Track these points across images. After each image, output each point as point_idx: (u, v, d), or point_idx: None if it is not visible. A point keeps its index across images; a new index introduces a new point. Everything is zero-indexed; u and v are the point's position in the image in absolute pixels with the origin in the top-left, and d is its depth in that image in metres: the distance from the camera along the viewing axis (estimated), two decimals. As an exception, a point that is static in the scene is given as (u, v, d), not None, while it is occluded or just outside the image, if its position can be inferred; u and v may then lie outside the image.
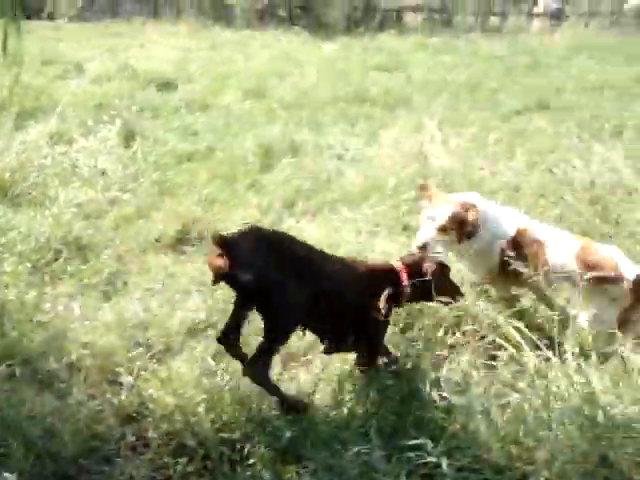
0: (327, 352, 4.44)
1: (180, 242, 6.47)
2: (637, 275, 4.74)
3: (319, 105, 11.38)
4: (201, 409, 4.04)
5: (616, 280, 4.70)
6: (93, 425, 4.07)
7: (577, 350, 4.02)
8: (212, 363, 4.44)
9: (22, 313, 5.12)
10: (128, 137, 9.01)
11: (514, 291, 5.11)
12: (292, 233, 6.09)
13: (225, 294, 5.02)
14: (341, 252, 5.68)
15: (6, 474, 3.56)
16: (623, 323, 4.68)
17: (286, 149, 8.93)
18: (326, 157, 8.32)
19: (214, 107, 11.63)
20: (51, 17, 24.27)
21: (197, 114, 11.07)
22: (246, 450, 3.86)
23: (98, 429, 4.06)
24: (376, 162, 8.11)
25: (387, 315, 4.38)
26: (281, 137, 9.31)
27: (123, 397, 4.29)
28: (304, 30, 22.23)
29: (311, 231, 6.19)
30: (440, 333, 4.78)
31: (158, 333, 4.97)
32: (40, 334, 4.87)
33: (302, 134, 9.32)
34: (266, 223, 6.67)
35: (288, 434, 3.79)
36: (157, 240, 6.44)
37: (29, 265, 5.87)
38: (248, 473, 3.74)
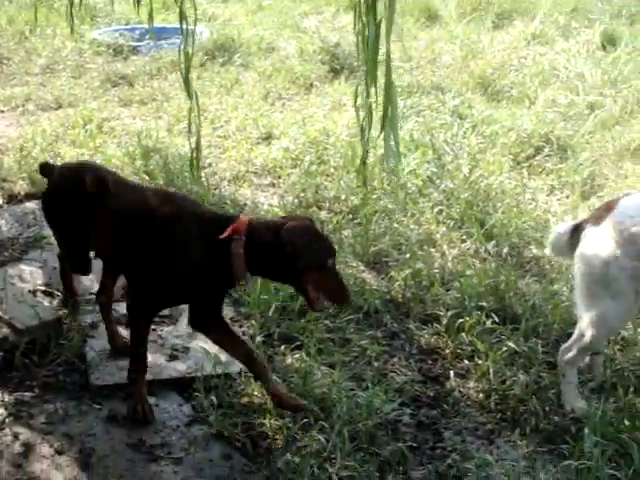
0: None
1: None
2: None
3: None
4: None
5: None
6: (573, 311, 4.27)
7: None
8: None
9: (504, 201, 5.47)
10: (607, 42, 8.88)
11: None
12: None
13: None
14: None
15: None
16: None
17: None
18: None
19: None
20: None
21: (678, 22, 10.45)
22: None
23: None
24: None
25: None
26: None
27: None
28: None
29: None
30: None
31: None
32: (523, 222, 5.18)
33: None
34: None
35: None
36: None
37: (510, 157, 6.20)
38: None
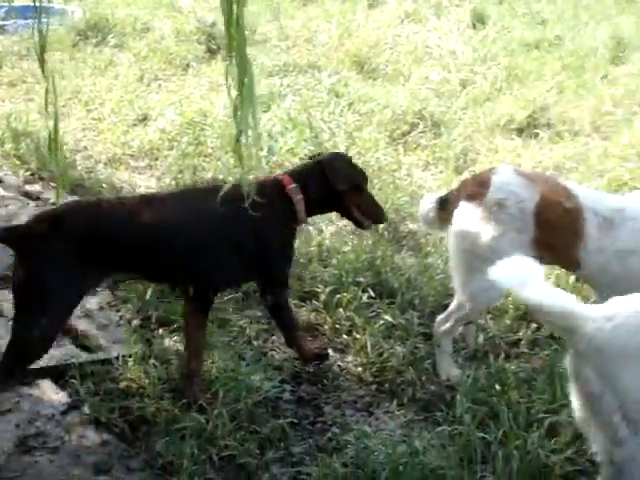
0: None
1: (529, 127, 6.52)
2: None
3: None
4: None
5: None
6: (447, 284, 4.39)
7: None
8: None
9: (380, 177, 5.56)
10: (476, 21, 9.11)
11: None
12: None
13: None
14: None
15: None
16: None
17: (641, 42, 8.56)
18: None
19: (562, -5, 11.28)
20: None
21: (543, 2, 10.81)
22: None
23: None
24: None
25: None
26: (636, 29, 8.90)
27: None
28: None
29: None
30: None
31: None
32: (399, 197, 5.28)
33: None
34: (618, 115, 6.58)
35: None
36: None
37: (386, 134, 6.30)
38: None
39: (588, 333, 2.67)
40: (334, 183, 3.57)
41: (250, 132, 2.13)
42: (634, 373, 2.65)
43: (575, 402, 2.82)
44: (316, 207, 3.67)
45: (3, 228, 3.36)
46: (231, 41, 2.05)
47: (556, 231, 3.60)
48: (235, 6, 1.92)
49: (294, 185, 3.53)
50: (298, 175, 3.62)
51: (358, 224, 3.78)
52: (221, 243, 3.40)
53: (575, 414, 2.86)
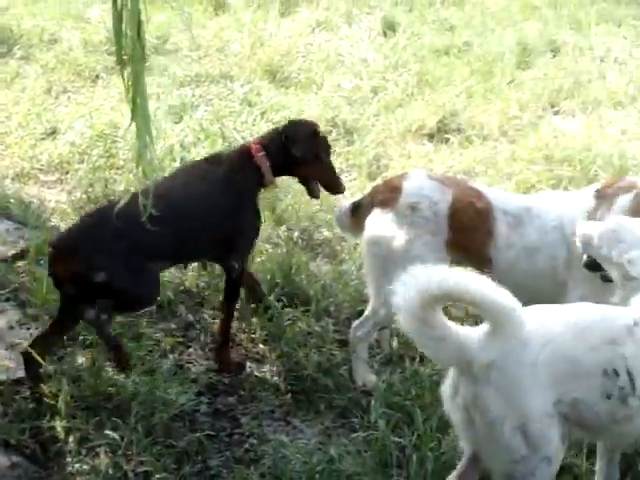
0: None
1: (440, 132, 6.62)
2: None
3: (579, 4, 10.93)
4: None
5: None
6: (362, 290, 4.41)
7: None
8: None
9: (294, 185, 5.55)
10: (387, 28, 9.20)
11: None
12: (552, 131, 6.24)
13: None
14: (601, 153, 5.71)
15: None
16: None
17: (545, 48, 8.76)
18: (588, 58, 8.12)
19: (469, 2, 11.48)
20: None
21: (452, 9, 10.99)
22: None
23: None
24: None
25: None
26: (540, 35, 9.12)
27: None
28: None
29: (573, 130, 6.15)
30: None
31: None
32: (312, 206, 5.29)
33: (562, 33, 9.09)
34: (525, 119, 6.73)
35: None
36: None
37: (300, 142, 6.30)
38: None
39: (487, 354, 2.58)
40: (292, 150, 3.84)
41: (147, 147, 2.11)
42: (541, 389, 2.59)
43: (463, 431, 2.74)
44: (280, 171, 3.96)
45: (57, 237, 3.72)
46: (120, 58, 2.03)
47: (469, 231, 3.69)
48: (123, 25, 1.90)
49: (262, 153, 3.83)
50: (264, 141, 3.92)
51: (311, 193, 4.07)
52: (222, 212, 3.73)
53: (461, 441, 2.82)
